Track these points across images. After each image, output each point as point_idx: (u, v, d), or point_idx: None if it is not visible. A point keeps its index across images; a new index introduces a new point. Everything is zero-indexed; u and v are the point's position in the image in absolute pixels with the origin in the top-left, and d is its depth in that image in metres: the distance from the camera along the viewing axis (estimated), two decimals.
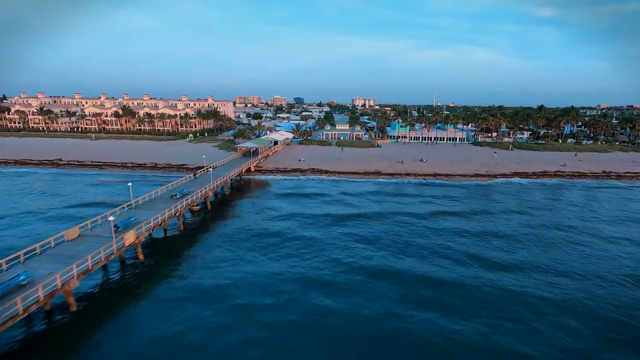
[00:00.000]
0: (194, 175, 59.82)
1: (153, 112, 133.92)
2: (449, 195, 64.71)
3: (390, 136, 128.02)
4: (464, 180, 74.85)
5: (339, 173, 77.55)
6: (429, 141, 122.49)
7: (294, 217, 52.02)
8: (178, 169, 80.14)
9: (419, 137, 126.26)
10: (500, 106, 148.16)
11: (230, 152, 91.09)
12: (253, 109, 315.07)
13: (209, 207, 53.38)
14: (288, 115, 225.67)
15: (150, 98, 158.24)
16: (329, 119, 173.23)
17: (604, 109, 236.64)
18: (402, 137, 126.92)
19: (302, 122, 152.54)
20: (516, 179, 75.95)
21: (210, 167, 67.46)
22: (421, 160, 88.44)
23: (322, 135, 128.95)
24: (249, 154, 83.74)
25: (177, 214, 43.32)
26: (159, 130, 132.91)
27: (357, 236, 45.05)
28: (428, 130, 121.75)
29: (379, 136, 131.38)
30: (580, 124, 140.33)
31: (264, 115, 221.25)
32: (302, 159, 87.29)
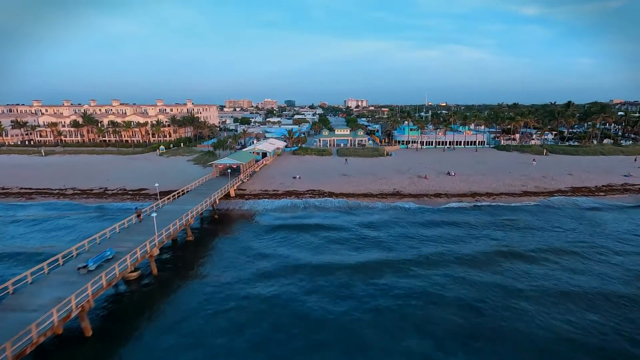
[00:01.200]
0: (138, 215, 40.33)
1: (120, 120, 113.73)
2: (508, 224, 46.49)
3: (399, 141, 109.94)
4: (514, 201, 56.66)
5: (348, 195, 58.80)
6: (446, 146, 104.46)
7: (294, 273, 33.62)
8: (134, 195, 60.52)
9: (432, 142, 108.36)
10: (514, 104, 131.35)
11: (208, 169, 71.81)
12: (242, 113, 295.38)
13: (155, 270, 34.00)
14: (279, 119, 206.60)
15: (121, 104, 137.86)
16: (324, 122, 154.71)
17: (617, 104, 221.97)
18: (412, 142, 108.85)
19: (295, 127, 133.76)
20: (582, 199, 57.93)
21: (173, 195, 48.55)
22: (448, 173, 70.11)
23: (319, 142, 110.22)
24: (229, 172, 64.80)
25: (79, 310, 24.00)
26: (126, 141, 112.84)
27: (406, 310, 26.31)
28: (443, 134, 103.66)
29: (384, 141, 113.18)
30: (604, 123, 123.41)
31: (253, 120, 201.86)
32: (298, 176, 68.43)
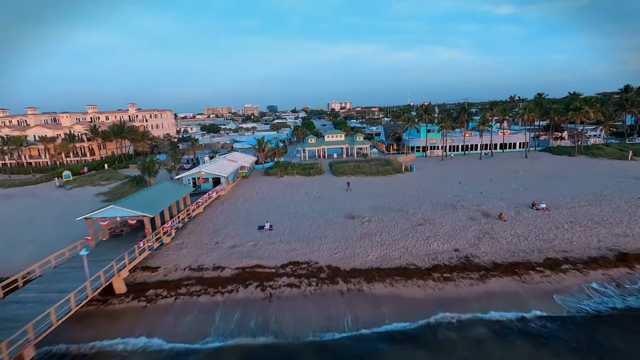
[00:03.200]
0: None
1: (17, 134, 79.90)
2: None
3: (412, 147, 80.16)
4: None
5: (371, 277, 27.74)
6: (482, 152, 74.97)
7: None
8: None
9: (458, 147, 79.12)
10: (539, 94, 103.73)
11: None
12: (216, 120, 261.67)
13: None
14: (255, 124, 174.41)
15: (32, 114, 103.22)
16: (308, 126, 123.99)
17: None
18: (432, 147, 79.26)
19: (270, 135, 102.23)
20: None
21: None
22: (533, 206, 39.95)
23: (304, 153, 79.33)
24: (130, 227, 33.09)
25: None
26: (29, 164, 79.00)
27: None
28: (480, 135, 73.93)
29: (393, 148, 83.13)
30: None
31: (222, 128, 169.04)
32: (267, 225, 37.30)
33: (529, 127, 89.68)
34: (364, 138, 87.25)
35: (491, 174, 57.70)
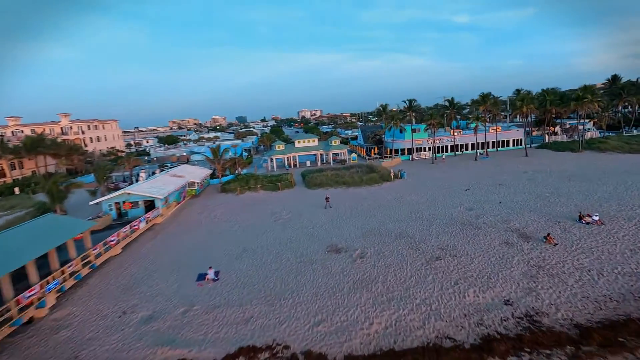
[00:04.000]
0: None
1: None
2: None
3: (396, 150, 69.83)
4: None
5: None
6: (478, 152, 65.72)
7: None
8: None
9: (447, 147, 69.81)
10: (517, 90, 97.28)
11: None
12: (176, 131, 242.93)
13: None
14: (218, 134, 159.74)
15: None
16: (277, 133, 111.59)
17: None
18: (419, 149, 69.40)
19: (228, 144, 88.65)
20: None
21: None
22: (580, 218, 29.59)
23: (271, 162, 66.90)
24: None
25: None
26: None
27: None
28: (475, 133, 64.44)
29: (374, 153, 72.37)
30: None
31: (182, 139, 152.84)
32: (211, 272, 24.47)
33: (516, 123, 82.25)
34: (340, 142, 75.96)
35: (497, 176, 47.87)
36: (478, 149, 64.74)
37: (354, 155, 70.11)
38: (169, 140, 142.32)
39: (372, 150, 72.75)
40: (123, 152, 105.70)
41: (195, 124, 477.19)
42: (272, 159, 67.31)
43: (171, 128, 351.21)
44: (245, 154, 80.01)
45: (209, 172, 57.82)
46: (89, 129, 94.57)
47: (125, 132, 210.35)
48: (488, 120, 65.79)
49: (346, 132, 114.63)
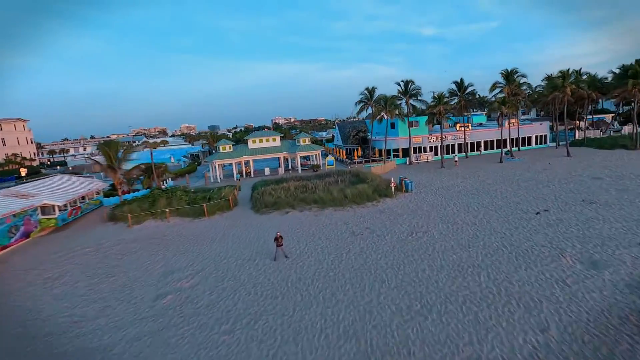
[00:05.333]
0: None
1: None
2: None
3: (388, 151, 51.12)
4: None
5: None
6: (504, 151, 48.18)
7: None
8: None
9: (453, 146, 52.19)
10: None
11: None
12: (121, 138, 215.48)
13: None
14: (167, 139, 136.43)
15: None
16: (237, 138, 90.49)
17: None
18: (417, 149, 51.24)
19: (175, 150, 66.95)
20: None
21: None
22: None
23: (214, 171, 46.45)
24: None
25: None
26: None
27: None
28: (500, 126, 46.93)
29: (357, 155, 53.27)
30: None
31: (128, 144, 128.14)
32: None
33: (529, 118, 66.22)
34: (314, 143, 56.39)
35: (558, 186, 29.98)
36: (503, 147, 47.08)
37: (330, 159, 50.71)
38: (106, 147, 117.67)
39: (355, 152, 53.81)
40: (33, 160, 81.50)
41: (159, 132, 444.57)
42: (215, 166, 46.81)
43: (128, 135, 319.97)
44: (183, 159, 58.63)
45: (103, 186, 36.62)
46: None
47: (63, 140, 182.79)
48: (517, 107, 48.27)
49: (320, 133, 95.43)
